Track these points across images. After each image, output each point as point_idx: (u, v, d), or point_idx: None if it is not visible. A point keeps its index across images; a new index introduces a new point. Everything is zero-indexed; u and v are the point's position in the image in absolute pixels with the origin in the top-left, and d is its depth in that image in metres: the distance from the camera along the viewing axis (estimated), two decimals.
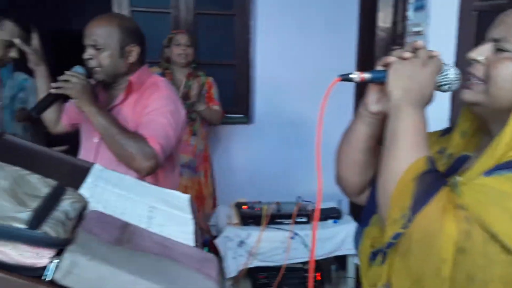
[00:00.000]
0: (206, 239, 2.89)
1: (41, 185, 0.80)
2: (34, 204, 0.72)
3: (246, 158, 3.72)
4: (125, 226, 0.81)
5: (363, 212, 1.08)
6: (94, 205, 0.95)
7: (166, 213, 1.07)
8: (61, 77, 1.54)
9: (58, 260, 0.64)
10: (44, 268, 0.64)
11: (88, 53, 1.62)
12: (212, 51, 3.75)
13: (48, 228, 0.64)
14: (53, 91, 1.53)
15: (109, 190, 1.06)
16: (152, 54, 3.37)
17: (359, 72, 0.92)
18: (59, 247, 0.65)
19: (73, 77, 1.53)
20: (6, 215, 0.64)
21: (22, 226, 0.62)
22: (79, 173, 1.11)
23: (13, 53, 1.83)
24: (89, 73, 1.64)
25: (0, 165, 0.79)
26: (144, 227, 0.93)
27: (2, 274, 0.60)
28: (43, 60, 1.70)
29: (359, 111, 1.02)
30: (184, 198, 1.23)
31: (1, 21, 1.76)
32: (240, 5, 3.56)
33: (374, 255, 0.98)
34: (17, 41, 1.77)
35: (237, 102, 3.75)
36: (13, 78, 2.34)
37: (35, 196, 0.76)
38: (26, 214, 0.65)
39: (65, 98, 1.58)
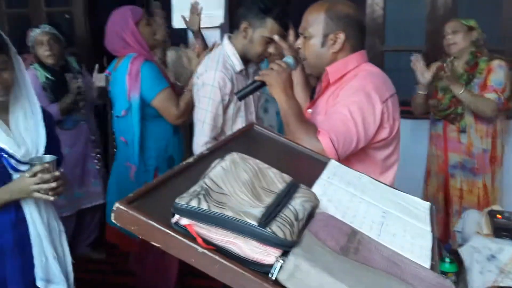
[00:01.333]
0: (448, 246, 2.62)
1: (278, 180, 0.83)
2: (269, 199, 0.75)
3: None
4: (353, 234, 0.76)
5: None
6: (325, 204, 0.94)
7: (401, 221, 0.98)
8: (270, 65, 1.54)
9: (282, 261, 0.65)
10: (269, 266, 0.65)
11: (298, 42, 1.57)
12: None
13: (277, 228, 0.65)
14: (257, 78, 1.54)
15: (342, 189, 1.03)
16: (408, 41, 3.21)
17: None
18: (286, 248, 0.65)
19: (277, 65, 1.50)
20: (243, 210, 0.67)
21: (254, 222, 0.65)
22: (316, 167, 1.12)
23: (271, 49, 1.96)
24: (298, 63, 1.60)
25: (244, 157, 0.85)
26: (374, 235, 0.88)
27: (235, 266, 0.64)
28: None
29: None
30: (424, 206, 1.10)
31: (264, 19, 1.91)
32: None
33: None
34: (276, 37, 1.88)
35: None
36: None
37: (271, 191, 0.79)
38: (259, 211, 0.67)
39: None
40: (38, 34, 2.78)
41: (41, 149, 1.51)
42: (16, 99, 1.50)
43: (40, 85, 2.73)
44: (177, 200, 0.67)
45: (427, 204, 1.11)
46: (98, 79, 2.94)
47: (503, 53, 3.13)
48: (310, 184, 1.00)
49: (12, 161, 1.45)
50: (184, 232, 0.66)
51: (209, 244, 0.65)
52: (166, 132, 2.36)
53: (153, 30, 2.38)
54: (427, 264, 0.85)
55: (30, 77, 2.69)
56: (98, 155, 3.08)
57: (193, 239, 0.65)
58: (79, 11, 3.89)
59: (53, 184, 1.45)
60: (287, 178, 0.85)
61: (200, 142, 1.93)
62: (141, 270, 2.45)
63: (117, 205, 0.67)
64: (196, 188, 0.70)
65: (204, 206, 0.66)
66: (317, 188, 0.99)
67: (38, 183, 1.43)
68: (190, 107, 2.16)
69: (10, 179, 1.45)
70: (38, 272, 1.52)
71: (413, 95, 2.78)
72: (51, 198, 1.46)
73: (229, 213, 0.65)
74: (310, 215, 0.78)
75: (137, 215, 0.66)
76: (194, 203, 0.66)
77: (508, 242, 2.40)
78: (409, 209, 1.06)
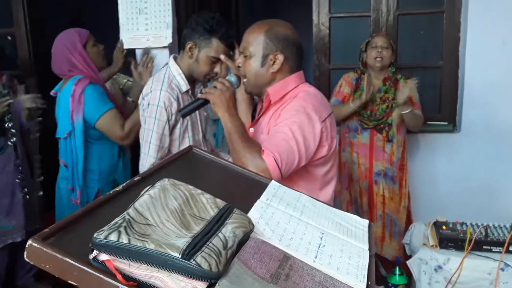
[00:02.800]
0: (398, 259, 2.67)
1: (210, 207, 0.81)
2: (198, 228, 0.72)
3: (449, 170, 3.32)
4: (285, 259, 0.75)
5: None
6: (262, 228, 0.93)
7: (338, 242, 0.98)
8: (213, 83, 1.57)
9: None
10: None
11: (239, 61, 1.61)
12: (415, 53, 3.46)
13: (201, 259, 0.63)
14: (200, 95, 1.56)
15: (281, 210, 1.02)
16: (353, 60, 3.34)
17: None
18: (211, 280, 0.63)
19: (220, 83, 1.53)
20: (167, 242, 0.65)
21: (177, 255, 0.62)
22: (257, 190, 1.11)
23: (217, 69, 1.96)
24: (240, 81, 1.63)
25: (175, 183, 0.82)
26: (311, 257, 0.87)
27: None
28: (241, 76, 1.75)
29: None
30: (363, 224, 1.11)
31: (210, 39, 1.91)
32: (450, 1, 3.20)
33: None
34: (222, 57, 1.89)
35: (442, 108, 3.38)
36: None
37: (201, 218, 0.76)
38: (184, 241, 0.65)
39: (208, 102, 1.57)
40: None
41: None
42: None
43: None
44: (95, 235, 0.63)
45: (365, 222, 1.12)
46: (25, 101, 2.81)
47: (442, 70, 3.31)
48: (248, 207, 0.98)
49: None
50: (103, 268, 0.62)
51: (129, 279, 0.62)
52: (110, 154, 2.33)
53: (100, 50, 2.37)
54: (363, 284, 0.84)
55: None
56: (24, 184, 2.87)
57: (113, 276, 0.62)
58: (22, 33, 3.76)
59: None
60: (220, 203, 0.83)
61: (146, 163, 1.89)
62: None
63: (30, 242, 0.62)
64: (118, 220, 0.67)
65: (124, 239, 0.62)
66: (254, 212, 0.97)
67: None
68: (137, 128, 2.12)
69: None
70: None
71: (331, 104, 2.92)
72: None
73: (151, 246, 0.62)
74: (242, 242, 0.76)
75: (51, 252, 0.62)
76: (113, 237, 0.62)
77: (453, 253, 2.47)
78: (348, 228, 1.06)
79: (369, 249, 0.99)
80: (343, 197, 3.07)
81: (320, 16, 3.36)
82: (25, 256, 0.63)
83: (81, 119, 2.19)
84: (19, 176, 2.82)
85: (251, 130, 1.67)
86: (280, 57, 1.53)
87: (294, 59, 1.56)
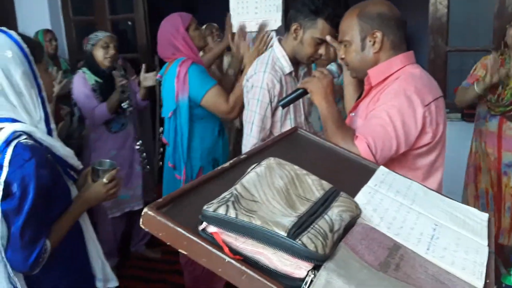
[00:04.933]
0: None
1: (315, 188, 0.79)
2: (303, 208, 0.71)
3: None
4: (395, 248, 0.71)
5: None
6: (369, 214, 0.88)
7: (454, 234, 0.90)
8: (312, 73, 1.56)
9: (314, 276, 0.61)
10: (300, 279, 0.61)
11: (341, 52, 1.55)
12: None
13: (307, 240, 0.61)
14: (299, 85, 1.56)
15: (390, 197, 0.97)
16: (473, 41, 3.04)
17: None
18: (317, 262, 0.61)
19: (318, 72, 1.52)
20: (273, 219, 0.64)
21: (282, 233, 0.61)
22: (364, 174, 1.06)
23: (321, 50, 1.92)
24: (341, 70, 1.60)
25: (280, 163, 0.82)
26: (422, 249, 0.81)
27: (262, 278, 0.61)
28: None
29: None
30: (481, 218, 1.01)
31: (315, 20, 1.87)
32: None
33: None
34: (328, 38, 1.84)
35: None
36: None
37: (307, 199, 0.75)
38: (290, 221, 0.64)
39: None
40: (104, 36, 2.89)
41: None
42: None
43: (89, 87, 2.83)
44: (205, 207, 0.65)
45: (485, 216, 1.01)
46: (146, 79, 3.02)
47: None
48: (354, 192, 0.95)
49: (72, 172, 1.45)
50: (211, 240, 0.64)
51: (236, 253, 0.63)
52: (211, 133, 2.40)
53: (201, 33, 2.45)
54: (480, 282, 0.77)
55: (79, 80, 2.84)
56: (145, 159, 3.15)
57: (220, 248, 0.63)
58: (140, 18, 4.02)
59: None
60: (326, 185, 0.81)
61: (249, 144, 1.92)
62: (191, 268, 2.47)
63: (145, 210, 0.66)
64: (226, 194, 0.68)
65: (231, 214, 0.63)
66: (361, 197, 0.93)
67: (113, 188, 1.48)
68: (241, 102, 2.16)
69: (69, 190, 1.43)
70: (98, 274, 1.52)
71: (460, 86, 2.69)
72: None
73: (257, 222, 0.62)
74: (349, 226, 0.73)
75: (164, 221, 0.65)
76: (221, 211, 0.63)
77: None
78: (465, 220, 0.97)
79: (489, 245, 0.90)
80: (469, 191, 2.83)
81: None
82: (140, 223, 0.66)
83: (187, 98, 2.27)
84: (137, 149, 3.09)
85: (352, 114, 1.61)
86: (379, 35, 1.44)
87: (395, 34, 1.46)
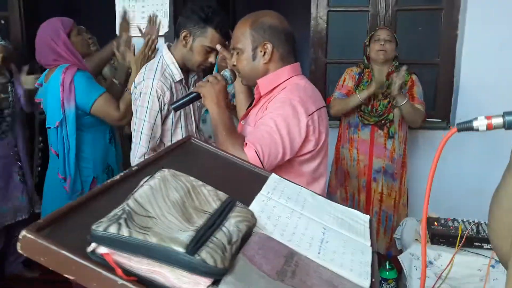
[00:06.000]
0: (389, 254, 2.67)
1: (212, 199, 0.78)
2: (200, 221, 0.69)
3: (443, 167, 3.32)
4: (290, 256, 0.72)
5: None
6: (264, 221, 0.90)
7: (341, 237, 0.95)
8: (206, 78, 1.59)
9: None
10: None
11: (232, 59, 1.60)
12: (412, 50, 3.43)
13: (206, 254, 0.60)
14: (192, 89, 1.60)
15: (282, 204, 0.99)
16: (350, 54, 3.31)
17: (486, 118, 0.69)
18: (216, 276, 0.60)
19: (212, 77, 1.56)
20: (169, 235, 0.61)
21: (180, 249, 0.59)
22: (257, 182, 1.08)
23: (211, 58, 1.92)
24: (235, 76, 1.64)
25: (175, 174, 0.79)
26: (314, 253, 0.84)
27: None
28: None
29: None
30: (363, 219, 1.09)
31: (205, 28, 1.86)
32: None
33: None
34: (218, 47, 1.85)
35: (437, 106, 3.37)
36: None
37: (204, 211, 0.73)
38: (187, 236, 0.62)
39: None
40: None
41: None
42: None
43: None
44: (94, 226, 0.60)
45: (366, 218, 1.10)
46: (26, 82, 2.78)
47: (439, 67, 3.30)
48: (249, 200, 0.95)
49: None
50: (102, 262, 0.59)
51: (130, 274, 0.59)
52: (102, 141, 2.30)
53: (84, 39, 2.33)
54: (367, 282, 0.82)
55: None
56: (22, 169, 2.88)
57: (112, 270, 0.58)
58: (15, 17, 3.66)
59: None
60: (223, 196, 0.80)
61: (138, 153, 1.85)
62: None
63: (23, 233, 0.59)
64: (117, 211, 0.63)
65: (124, 232, 0.59)
66: (255, 205, 0.94)
67: None
68: (131, 107, 2.09)
69: None
70: None
71: (334, 97, 2.89)
72: None
73: (153, 240, 0.59)
74: (246, 236, 0.73)
75: (47, 244, 0.58)
76: (113, 229, 0.59)
77: (444, 249, 2.47)
78: (349, 223, 1.04)
79: (371, 245, 0.97)
80: (339, 194, 3.04)
81: (319, 9, 3.32)
82: (18, 248, 0.59)
83: (73, 107, 2.15)
84: (17, 161, 2.81)
85: (242, 122, 1.65)
86: (269, 46, 1.51)
87: (284, 46, 1.53)
